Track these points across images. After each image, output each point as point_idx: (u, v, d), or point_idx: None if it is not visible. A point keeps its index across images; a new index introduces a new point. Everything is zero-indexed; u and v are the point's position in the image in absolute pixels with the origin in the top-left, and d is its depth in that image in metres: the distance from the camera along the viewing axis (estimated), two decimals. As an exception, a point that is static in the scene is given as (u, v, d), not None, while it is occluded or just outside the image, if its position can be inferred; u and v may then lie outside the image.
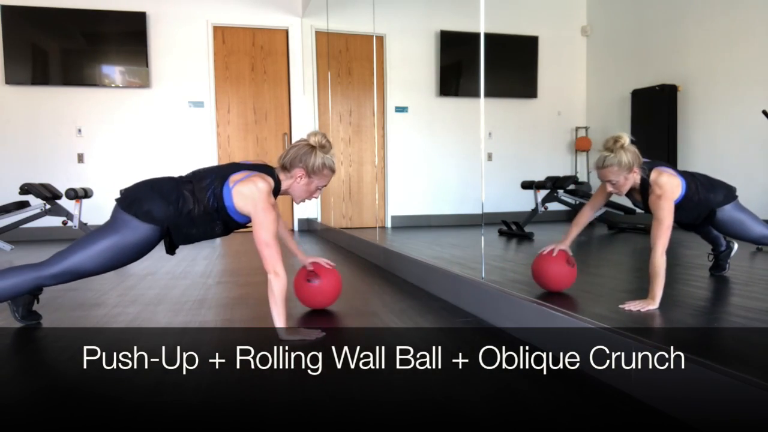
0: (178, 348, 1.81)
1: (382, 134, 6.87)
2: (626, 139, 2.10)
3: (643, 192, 2.23)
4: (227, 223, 1.93)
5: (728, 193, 2.33)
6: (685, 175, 2.28)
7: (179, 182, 1.89)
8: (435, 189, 7.02)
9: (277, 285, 1.83)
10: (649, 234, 2.19)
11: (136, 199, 1.84)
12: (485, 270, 2.74)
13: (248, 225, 1.96)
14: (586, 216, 2.44)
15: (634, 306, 2.00)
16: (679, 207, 2.23)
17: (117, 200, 1.87)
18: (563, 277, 2.32)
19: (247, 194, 1.86)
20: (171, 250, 1.99)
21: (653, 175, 2.18)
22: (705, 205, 2.29)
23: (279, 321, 1.87)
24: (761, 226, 2.34)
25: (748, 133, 5.23)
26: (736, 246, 2.74)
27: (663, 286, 2.02)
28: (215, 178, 1.89)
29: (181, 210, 1.84)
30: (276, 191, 1.97)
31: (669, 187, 2.15)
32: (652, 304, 2.00)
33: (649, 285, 2.04)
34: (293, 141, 6.63)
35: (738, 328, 1.74)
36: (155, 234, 1.85)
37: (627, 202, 6.95)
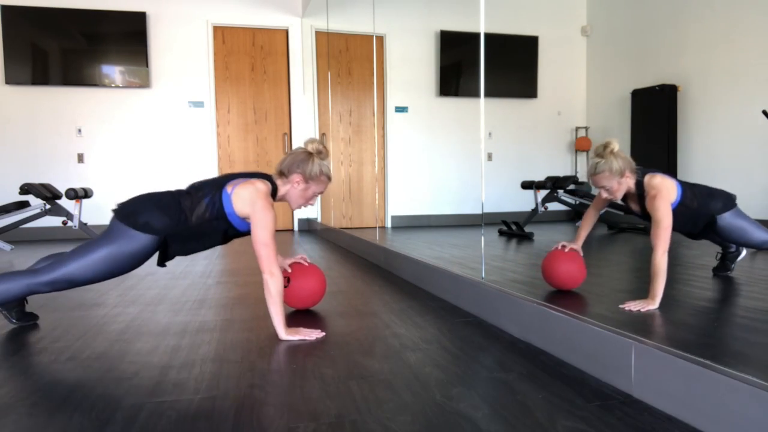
0: (178, 348, 1.81)
1: (382, 134, 6.87)
2: (615, 144, 2.13)
3: (639, 197, 2.24)
4: (226, 231, 1.94)
5: (728, 201, 2.33)
6: (681, 182, 2.29)
7: (177, 195, 1.90)
8: (435, 189, 7.03)
9: (274, 285, 1.84)
10: (649, 234, 2.19)
11: (134, 211, 1.84)
12: (485, 270, 2.74)
13: (247, 233, 1.97)
14: (590, 218, 2.47)
15: (634, 306, 2.00)
16: (677, 214, 2.24)
17: (114, 212, 1.88)
18: (574, 275, 2.33)
19: (245, 195, 1.88)
20: (162, 262, 2.00)
21: (647, 179, 2.21)
22: (704, 212, 2.30)
23: (278, 321, 1.87)
24: (762, 232, 2.35)
25: (748, 133, 5.23)
26: (744, 251, 2.75)
27: (663, 287, 2.03)
28: (212, 187, 1.92)
29: (179, 221, 1.86)
30: (273, 195, 2.00)
31: (664, 187, 2.16)
32: (652, 304, 2.00)
33: (649, 285, 2.04)
34: (293, 140, 6.66)
35: (738, 328, 1.74)
36: (152, 244, 1.86)
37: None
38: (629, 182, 2.19)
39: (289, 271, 2.26)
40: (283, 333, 1.88)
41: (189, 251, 1.96)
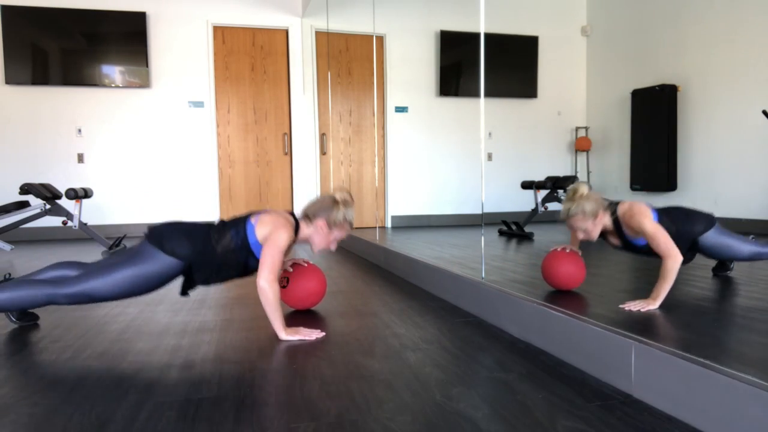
0: (178, 348, 1.81)
1: (382, 134, 6.87)
2: (584, 188, 2.13)
3: (617, 231, 2.22)
4: (247, 262, 1.97)
5: (707, 221, 2.30)
6: (655, 209, 2.25)
7: (207, 227, 1.97)
8: (435, 189, 7.03)
9: (272, 292, 1.87)
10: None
11: (164, 235, 1.88)
12: (485, 270, 2.74)
13: None
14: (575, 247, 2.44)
15: (634, 306, 2.00)
16: None
17: (145, 234, 1.92)
18: (573, 275, 2.32)
19: (268, 220, 1.96)
20: (186, 291, 2.02)
21: (620, 210, 2.20)
22: (685, 236, 2.27)
23: (277, 324, 1.88)
24: (749, 245, 2.34)
25: (748, 133, 5.23)
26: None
27: (668, 290, 2.03)
28: (238, 221, 1.99)
29: (205, 250, 1.89)
30: (295, 233, 2.06)
31: (638, 207, 2.15)
32: (653, 304, 2.00)
33: (655, 285, 2.05)
34: (293, 140, 6.64)
35: (738, 328, 1.74)
36: (176, 269, 1.88)
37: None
38: (604, 221, 2.19)
39: (290, 270, 2.26)
40: (283, 333, 1.88)
41: (211, 281, 1.98)
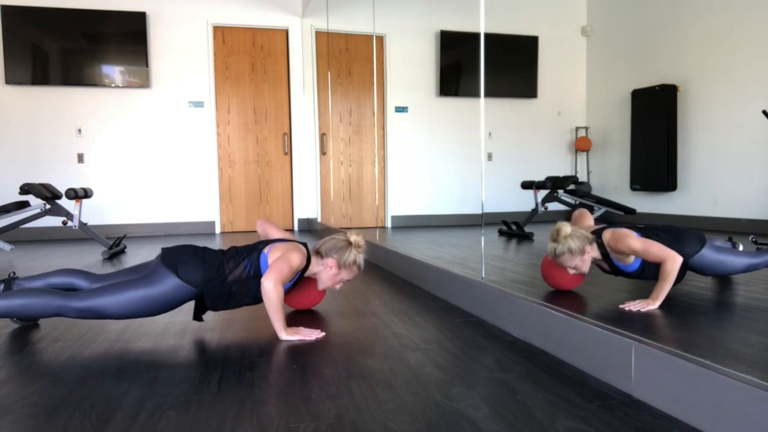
0: (178, 348, 1.81)
1: (382, 134, 6.87)
2: (567, 228, 2.13)
3: (604, 256, 2.21)
4: (257, 292, 1.97)
5: (698, 242, 2.25)
6: (639, 230, 2.23)
7: (221, 254, 1.97)
8: (435, 189, 7.03)
9: (276, 294, 1.86)
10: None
11: (180, 260, 1.89)
12: (485, 270, 2.74)
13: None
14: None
15: (634, 306, 2.00)
16: (649, 267, 2.18)
17: (160, 256, 1.92)
18: (572, 276, 2.32)
19: (282, 247, 1.99)
20: (198, 316, 2.02)
21: (604, 238, 2.19)
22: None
23: (278, 324, 1.89)
24: (743, 258, 2.28)
25: (748, 133, 5.23)
26: (741, 247, 2.75)
27: (668, 291, 2.03)
28: (252, 250, 2.00)
29: (218, 279, 1.90)
30: (307, 265, 2.07)
31: (621, 232, 2.14)
32: (653, 304, 2.00)
33: (655, 286, 2.05)
34: (293, 140, 6.64)
35: (738, 328, 1.74)
36: (188, 295, 1.88)
37: (627, 202, 6.95)
38: (592, 254, 2.18)
39: None
40: (284, 334, 1.88)
41: (220, 308, 1.98)
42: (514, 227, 5.31)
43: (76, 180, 6.02)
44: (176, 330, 2.04)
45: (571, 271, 2.21)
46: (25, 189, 4.64)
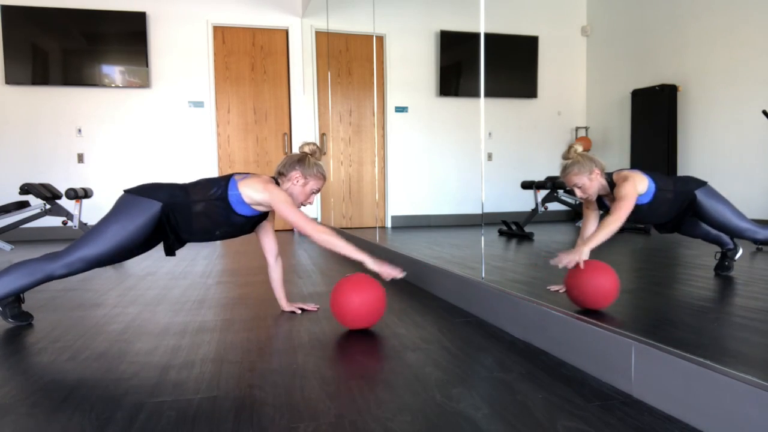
0: (178, 348, 1.81)
1: (382, 134, 6.87)
2: (579, 146, 2.25)
3: (613, 194, 2.27)
4: (229, 216, 2.02)
5: (699, 180, 2.42)
6: (651, 174, 2.36)
7: (184, 184, 2.06)
8: (435, 189, 7.03)
9: (327, 234, 1.93)
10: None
11: (141, 186, 2.00)
12: (485, 270, 2.74)
13: (250, 217, 2.07)
14: (591, 219, 2.43)
15: (564, 259, 1.97)
16: (658, 202, 2.31)
17: (124, 190, 2.01)
18: (605, 287, 1.94)
19: (256, 183, 2.01)
20: (170, 250, 2.08)
21: (615, 174, 2.29)
22: (684, 195, 2.37)
23: (359, 255, 1.94)
24: (744, 222, 2.38)
25: (748, 133, 5.23)
26: (741, 249, 2.76)
27: (601, 242, 2.02)
28: (219, 179, 2.05)
29: (183, 195, 1.98)
30: None
31: (631, 175, 2.24)
32: (582, 252, 1.95)
33: (592, 233, 2.06)
34: (293, 140, 6.65)
35: (738, 328, 1.74)
36: (158, 214, 1.95)
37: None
38: (600, 179, 2.26)
39: (298, 312, 2.29)
40: (371, 263, 1.94)
41: (195, 234, 2.04)
42: (514, 227, 5.31)
43: (76, 180, 6.02)
44: (176, 330, 2.04)
45: (579, 193, 2.26)
46: (25, 189, 4.64)
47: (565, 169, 2.25)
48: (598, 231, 2.06)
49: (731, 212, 2.38)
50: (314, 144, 2.16)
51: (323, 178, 2.16)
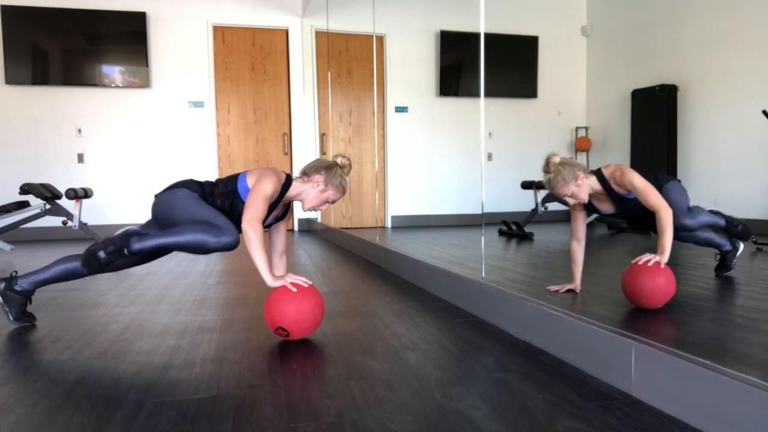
0: (178, 348, 1.81)
1: (382, 134, 6.87)
2: (556, 157, 2.22)
3: (607, 191, 2.27)
4: (233, 204, 2.06)
5: (671, 177, 2.51)
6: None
7: (208, 181, 2.15)
8: (435, 189, 7.03)
9: (255, 234, 1.87)
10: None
11: (173, 184, 2.09)
12: (485, 270, 2.74)
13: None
14: (577, 252, 2.40)
15: (645, 259, 2.04)
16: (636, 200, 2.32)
17: (156, 196, 2.08)
18: (661, 287, 2.01)
19: (258, 172, 2.04)
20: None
21: (606, 173, 2.28)
22: (658, 188, 2.45)
23: (263, 268, 1.85)
24: (687, 218, 2.40)
25: (748, 134, 5.23)
26: (742, 246, 2.75)
27: (672, 240, 2.10)
28: (235, 175, 2.11)
29: (209, 189, 2.09)
30: (286, 187, 2.08)
31: (625, 168, 2.25)
32: (662, 257, 2.03)
33: (658, 241, 2.09)
34: (293, 140, 6.64)
35: (738, 328, 1.74)
36: (195, 190, 2.06)
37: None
38: (587, 182, 2.24)
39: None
40: (270, 279, 1.84)
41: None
42: (514, 227, 5.31)
43: (76, 180, 6.02)
44: (176, 330, 2.04)
45: (570, 200, 2.25)
46: (25, 189, 4.64)
47: (549, 183, 2.21)
48: (663, 234, 2.08)
49: (680, 207, 2.40)
50: (348, 159, 2.13)
51: (342, 191, 2.13)
